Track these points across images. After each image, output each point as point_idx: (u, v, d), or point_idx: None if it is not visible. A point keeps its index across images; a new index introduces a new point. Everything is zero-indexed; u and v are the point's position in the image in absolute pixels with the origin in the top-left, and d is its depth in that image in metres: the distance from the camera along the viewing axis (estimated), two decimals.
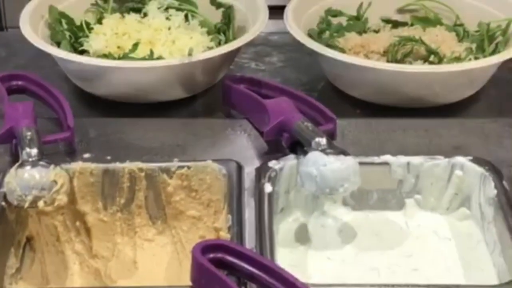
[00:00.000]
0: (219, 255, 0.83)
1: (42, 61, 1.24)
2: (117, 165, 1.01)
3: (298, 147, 1.00)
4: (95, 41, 1.21)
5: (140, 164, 1.01)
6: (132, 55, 1.16)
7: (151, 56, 1.15)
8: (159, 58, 1.15)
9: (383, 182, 1.01)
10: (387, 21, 1.28)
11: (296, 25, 1.18)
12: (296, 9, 1.22)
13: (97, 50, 1.19)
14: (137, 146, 1.05)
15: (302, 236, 1.00)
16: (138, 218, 1.03)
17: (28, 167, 0.93)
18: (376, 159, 1.01)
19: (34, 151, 0.95)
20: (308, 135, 0.98)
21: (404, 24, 1.27)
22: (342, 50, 1.18)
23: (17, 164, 0.94)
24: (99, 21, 1.26)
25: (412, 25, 1.27)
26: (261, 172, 0.99)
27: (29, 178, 0.92)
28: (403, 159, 1.01)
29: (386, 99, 1.14)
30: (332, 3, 1.26)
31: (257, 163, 1.02)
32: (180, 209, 1.03)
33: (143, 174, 1.01)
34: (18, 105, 1.05)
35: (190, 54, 1.11)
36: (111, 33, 1.22)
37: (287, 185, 1.00)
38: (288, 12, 1.21)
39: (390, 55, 1.16)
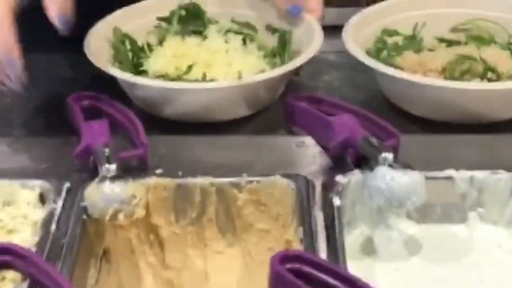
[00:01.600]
0: (297, 265, 0.86)
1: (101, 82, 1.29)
2: (190, 180, 1.05)
3: (363, 162, 1.04)
4: (154, 61, 1.25)
5: (211, 179, 1.05)
6: (186, 76, 1.20)
7: (203, 78, 1.19)
8: (212, 80, 1.19)
9: (446, 196, 1.05)
10: (441, 40, 1.31)
11: (354, 45, 1.22)
12: (353, 29, 1.26)
13: (156, 71, 1.24)
14: (206, 162, 1.09)
15: (368, 248, 1.03)
16: (209, 231, 1.07)
17: (108, 182, 0.98)
18: (439, 173, 1.04)
19: (113, 167, 1.00)
20: (374, 150, 1.02)
21: (458, 43, 1.31)
22: (400, 68, 1.21)
23: (97, 179, 0.99)
24: (161, 42, 1.31)
25: (466, 43, 1.30)
26: (329, 186, 1.03)
27: (110, 192, 0.97)
28: (466, 173, 1.04)
29: (445, 115, 1.17)
30: (388, 24, 1.30)
31: (321, 178, 1.06)
32: (249, 222, 1.06)
33: (214, 188, 1.05)
34: (93, 123, 1.10)
35: (239, 78, 1.15)
36: (171, 54, 1.26)
37: (353, 199, 1.04)
38: (347, 32, 1.24)
39: (448, 73, 1.19)
